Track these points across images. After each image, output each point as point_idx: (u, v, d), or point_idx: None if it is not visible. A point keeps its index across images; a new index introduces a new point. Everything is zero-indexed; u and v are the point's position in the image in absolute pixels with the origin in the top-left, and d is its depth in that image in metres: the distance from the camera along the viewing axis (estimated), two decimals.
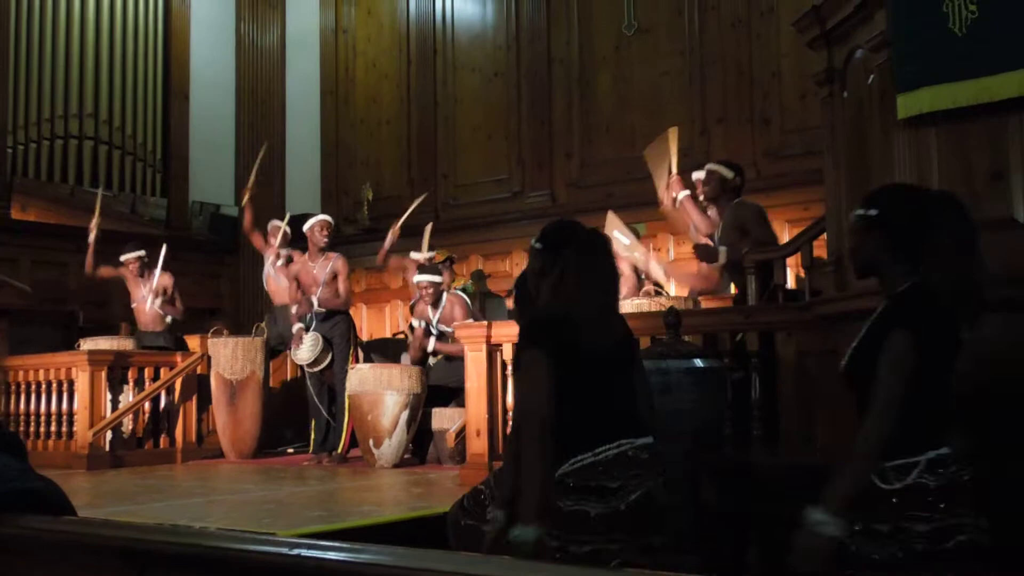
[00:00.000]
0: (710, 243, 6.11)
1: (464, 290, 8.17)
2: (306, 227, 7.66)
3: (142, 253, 8.28)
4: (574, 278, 2.80)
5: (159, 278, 8.17)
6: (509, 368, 5.49)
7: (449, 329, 7.03)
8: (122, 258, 8.27)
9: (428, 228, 8.33)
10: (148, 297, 8.08)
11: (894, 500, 2.34)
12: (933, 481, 2.35)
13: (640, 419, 2.86)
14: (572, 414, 2.68)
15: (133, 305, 8.30)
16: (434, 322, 7.23)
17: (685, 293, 6.62)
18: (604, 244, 2.99)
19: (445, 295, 7.37)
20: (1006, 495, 2.72)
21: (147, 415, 7.59)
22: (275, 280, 8.28)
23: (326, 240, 7.55)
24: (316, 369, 7.41)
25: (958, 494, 2.35)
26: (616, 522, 2.64)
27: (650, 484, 2.71)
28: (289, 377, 8.76)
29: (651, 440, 2.83)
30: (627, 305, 6.25)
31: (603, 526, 2.63)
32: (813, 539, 2.31)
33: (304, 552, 1.22)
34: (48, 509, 1.29)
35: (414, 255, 8.15)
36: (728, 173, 6.19)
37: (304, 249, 7.76)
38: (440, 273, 7.45)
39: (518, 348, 2.90)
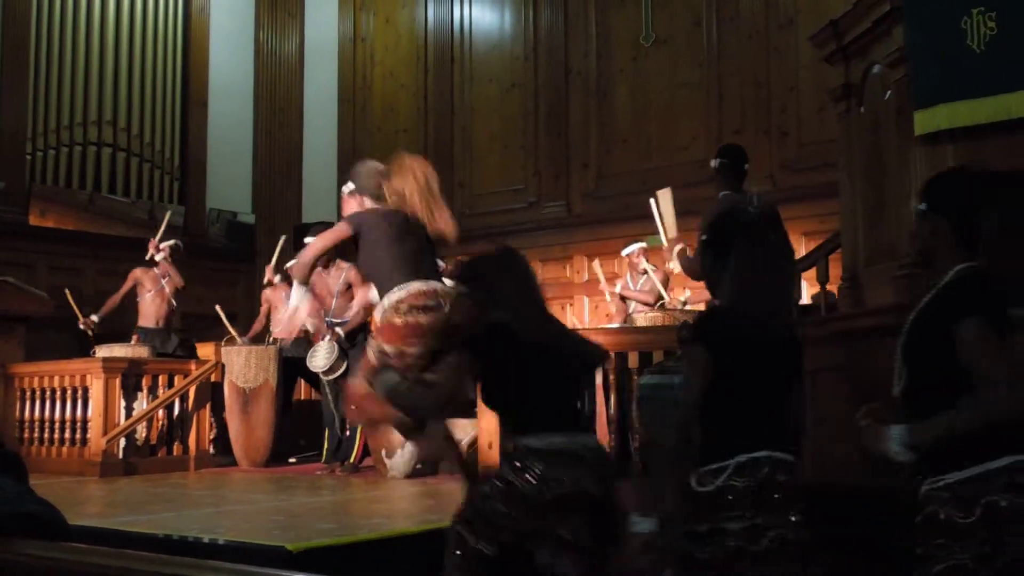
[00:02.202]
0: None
1: None
2: (307, 239, 7.69)
3: (178, 242, 8.43)
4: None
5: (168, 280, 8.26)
6: None
7: None
8: (161, 245, 8.32)
9: None
10: (162, 289, 8.21)
11: (709, 502, 2.51)
12: (742, 483, 2.52)
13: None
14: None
15: (139, 299, 8.35)
16: None
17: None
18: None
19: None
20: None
21: (161, 423, 7.60)
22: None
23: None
24: (331, 377, 7.40)
25: (768, 495, 2.53)
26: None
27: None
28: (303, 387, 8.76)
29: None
30: (640, 319, 6.23)
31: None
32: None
33: None
34: (44, 534, 1.28)
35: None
36: (713, 161, 5.58)
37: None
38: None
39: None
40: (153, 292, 8.31)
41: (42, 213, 9.91)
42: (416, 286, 4.07)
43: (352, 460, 7.23)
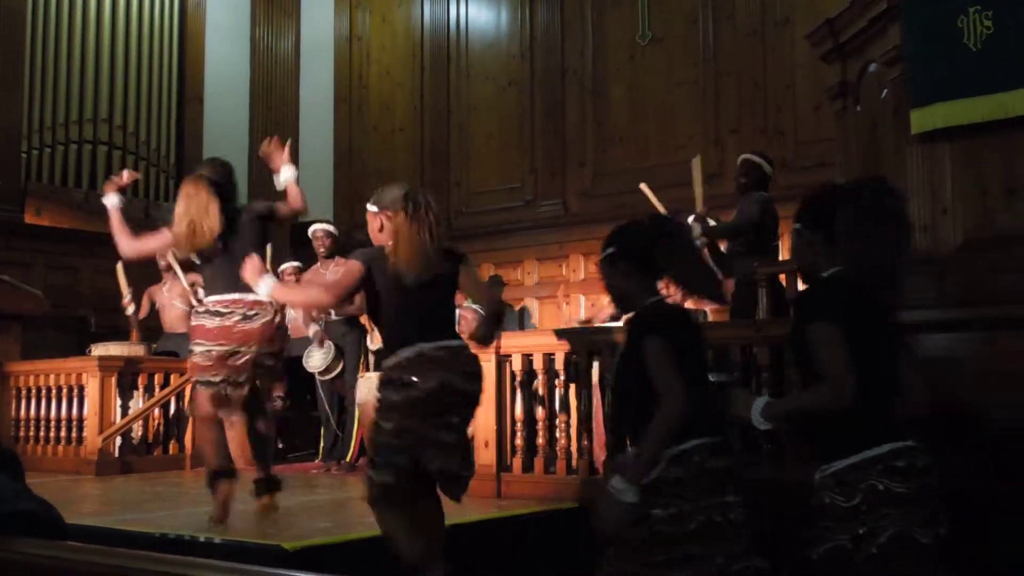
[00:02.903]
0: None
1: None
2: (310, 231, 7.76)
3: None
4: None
5: (176, 283, 8.22)
6: (518, 379, 5.47)
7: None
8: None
9: None
10: (167, 295, 8.17)
11: (646, 491, 2.69)
12: (673, 474, 2.70)
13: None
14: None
15: (158, 306, 8.32)
16: None
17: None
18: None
19: (458, 311, 7.35)
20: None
21: (157, 421, 7.60)
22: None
23: (322, 249, 7.55)
24: (327, 377, 7.40)
25: (700, 482, 2.71)
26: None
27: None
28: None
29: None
30: None
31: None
32: (612, 504, 2.68)
33: None
34: (41, 532, 1.27)
35: None
36: (764, 163, 6.22)
37: (314, 257, 7.77)
38: None
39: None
40: (163, 302, 8.30)
41: (38, 211, 9.89)
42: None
43: (348, 459, 7.23)
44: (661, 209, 6.65)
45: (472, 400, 3.66)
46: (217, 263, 4.54)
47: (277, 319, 4.56)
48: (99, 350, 7.66)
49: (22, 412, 7.65)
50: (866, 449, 2.45)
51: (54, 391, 7.46)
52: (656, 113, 9.34)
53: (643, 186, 6.77)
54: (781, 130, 8.59)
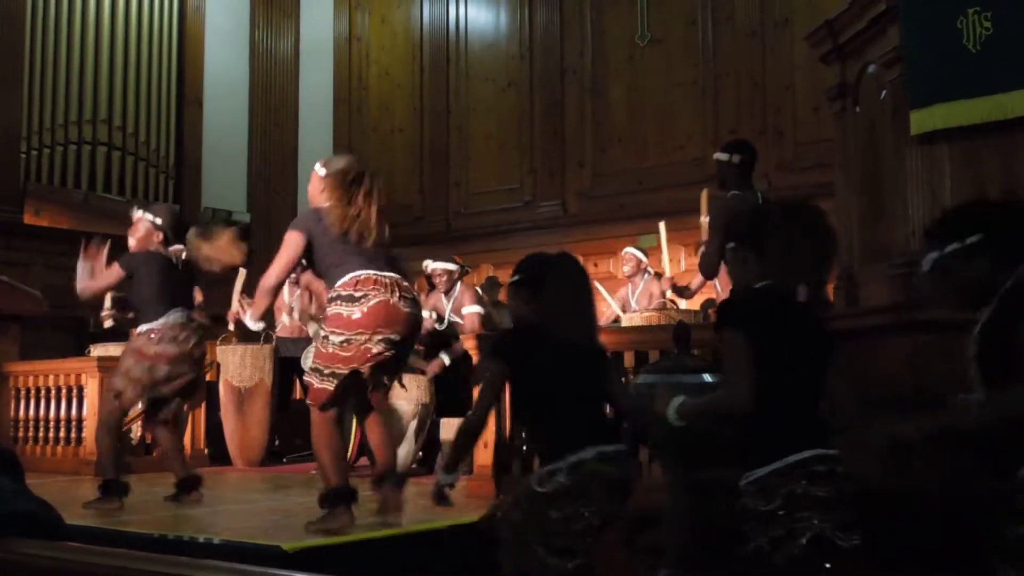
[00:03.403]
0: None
1: None
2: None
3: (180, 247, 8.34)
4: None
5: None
6: None
7: (458, 319, 7.07)
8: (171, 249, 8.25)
9: None
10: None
11: (544, 500, 2.88)
12: (570, 480, 2.88)
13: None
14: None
15: None
16: (447, 309, 7.23)
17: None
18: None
19: (459, 284, 7.37)
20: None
21: None
22: None
23: None
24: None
25: (592, 487, 2.89)
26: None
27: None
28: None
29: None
30: (637, 318, 6.24)
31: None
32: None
33: None
34: (41, 533, 1.27)
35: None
36: (721, 155, 5.51)
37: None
38: (455, 261, 7.45)
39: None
40: None
41: (37, 212, 9.89)
42: None
43: (347, 458, 7.22)
44: (665, 255, 6.71)
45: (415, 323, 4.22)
46: None
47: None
48: (98, 350, 7.65)
49: (21, 413, 7.64)
50: (788, 455, 2.53)
51: (53, 391, 7.45)
52: (655, 114, 9.34)
53: (661, 226, 6.82)
54: (780, 131, 8.59)
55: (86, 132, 10.32)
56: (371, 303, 4.08)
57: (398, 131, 11.22)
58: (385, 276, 4.18)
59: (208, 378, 7.76)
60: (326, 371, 4.11)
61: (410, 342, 4.37)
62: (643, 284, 7.28)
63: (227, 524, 4.50)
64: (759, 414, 2.55)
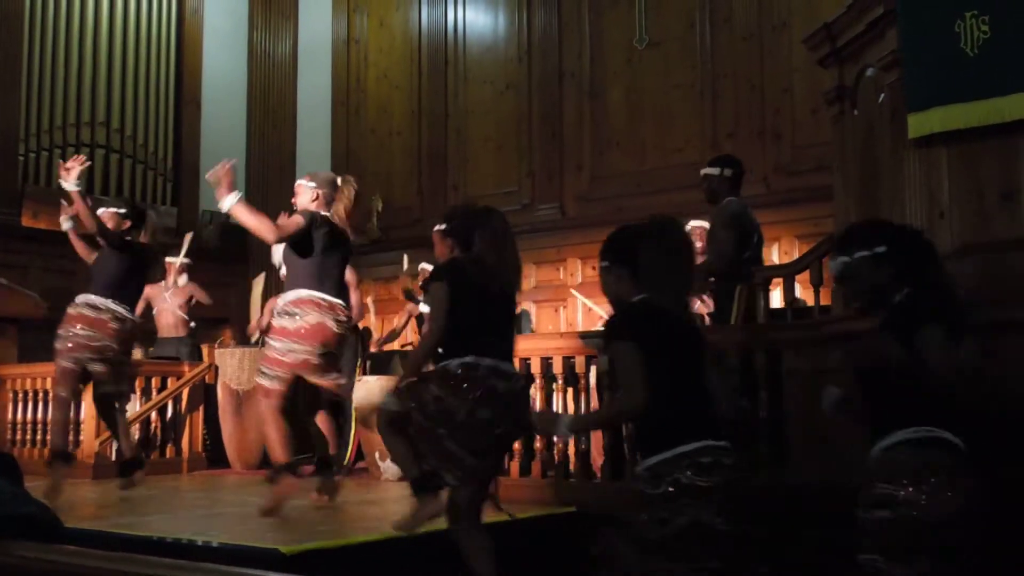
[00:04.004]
0: None
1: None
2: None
3: (188, 261, 8.42)
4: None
5: (179, 290, 8.28)
6: None
7: None
8: (167, 259, 8.30)
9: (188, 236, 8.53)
10: (170, 301, 8.20)
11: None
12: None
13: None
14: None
15: (154, 311, 8.34)
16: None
17: None
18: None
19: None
20: None
21: (154, 425, 7.59)
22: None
23: None
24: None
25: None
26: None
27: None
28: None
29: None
30: None
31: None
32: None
33: None
34: (40, 535, 1.27)
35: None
36: (710, 169, 5.81)
37: None
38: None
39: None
40: (160, 306, 8.31)
41: (34, 214, 9.89)
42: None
43: (345, 463, 7.22)
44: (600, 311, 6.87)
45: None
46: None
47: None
48: None
49: (19, 416, 7.64)
50: (677, 446, 2.81)
51: (51, 394, 7.44)
52: (654, 116, 9.34)
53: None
54: (778, 134, 8.60)
55: (84, 135, 10.32)
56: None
57: (396, 134, 11.22)
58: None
59: (207, 381, 7.77)
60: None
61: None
62: None
63: (225, 527, 4.49)
64: (652, 410, 2.84)
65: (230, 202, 4.82)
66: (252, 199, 11.58)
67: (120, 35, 10.72)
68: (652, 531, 2.77)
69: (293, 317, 4.87)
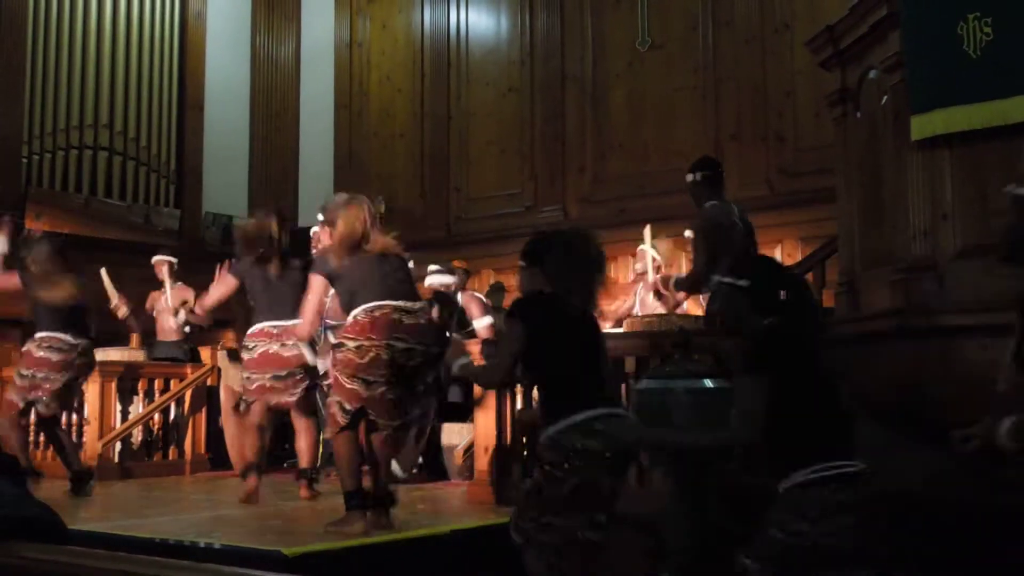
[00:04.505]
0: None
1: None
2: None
3: (173, 260, 8.34)
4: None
5: (174, 291, 8.23)
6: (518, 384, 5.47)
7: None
8: (154, 259, 8.26)
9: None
10: (169, 309, 8.18)
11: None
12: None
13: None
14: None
15: (154, 313, 8.34)
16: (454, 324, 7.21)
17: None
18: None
19: (460, 295, 7.35)
20: None
21: (157, 426, 7.60)
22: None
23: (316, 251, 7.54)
24: (327, 383, 7.38)
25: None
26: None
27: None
28: None
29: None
30: (638, 323, 6.23)
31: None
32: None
33: None
34: (43, 537, 1.27)
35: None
36: (688, 176, 5.78)
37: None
38: (453, 274, 7.43)
39: None
40: (161, 309, 8.31)
41: (38, 217, 9.89)
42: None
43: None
44: (650, 256, 6.92)
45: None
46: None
47: None
48: (99, 355, 7.65)
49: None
50: (574, 415, 3.12)
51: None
52: (656, 119, 9.34)
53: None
54: (781, 136, 8.59)
55: (87, 137, 10.33)
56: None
57: (399, 136, 11.23)
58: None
59: (208, 383, 7.77)
60: None
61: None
62: (640, 287, 7.27)
63: (228, 528, 4.49)
64: (550, 388, 3.26)
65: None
66: (254, 202, 11.68)
67: (123, 38, 10.73)
68: (551, 488, 3.10)
69: (249, 350, 5.44)
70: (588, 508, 3.11)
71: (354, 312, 4.32)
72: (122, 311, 7.90)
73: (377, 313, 4.27)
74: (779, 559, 2.80)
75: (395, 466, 6.53)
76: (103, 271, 7.80)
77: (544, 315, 3.28)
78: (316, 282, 4.53)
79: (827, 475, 2.79)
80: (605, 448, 3.11)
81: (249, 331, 5.49)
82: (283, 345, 5.39)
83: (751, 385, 2.92)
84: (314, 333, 5.26)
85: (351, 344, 4.26)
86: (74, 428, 7.34)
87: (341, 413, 4.28)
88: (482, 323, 7.15)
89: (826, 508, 2.77)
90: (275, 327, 5.38)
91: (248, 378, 5.46)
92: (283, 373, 5.43)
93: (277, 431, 7.89)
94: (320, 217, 5.23)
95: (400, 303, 4.32)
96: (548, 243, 3.45)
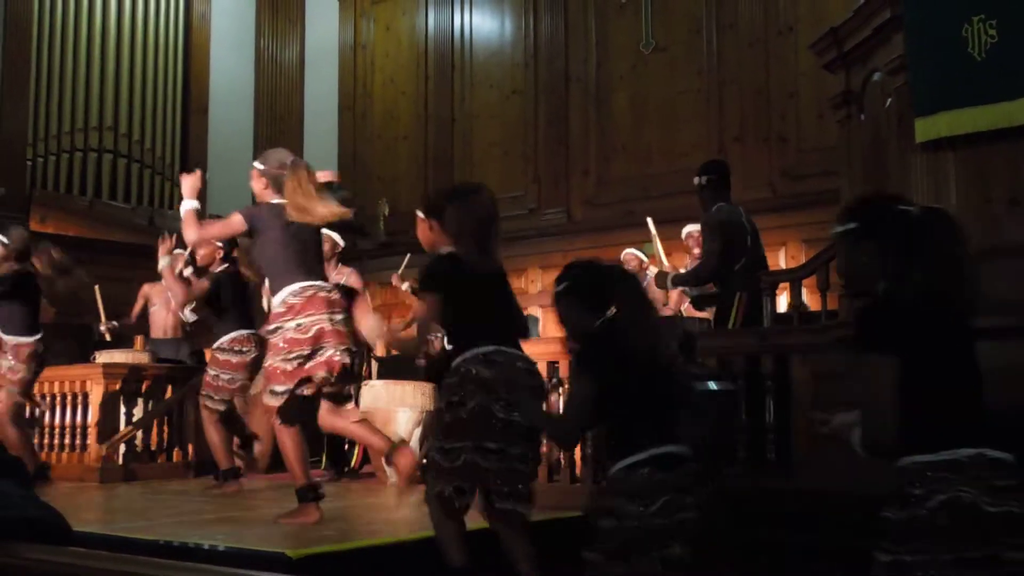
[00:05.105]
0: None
1: None
2: None
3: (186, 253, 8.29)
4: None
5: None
6: None
7: None
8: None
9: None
10: (168, 301, 8.16)
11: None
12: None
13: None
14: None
15: (153, 306, 8.34)
16: None
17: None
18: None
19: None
20: None
21: (161, 429, 7.60)
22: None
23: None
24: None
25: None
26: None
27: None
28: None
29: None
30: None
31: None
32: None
33: None
34: (48, 538, 1.28)
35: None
36: (695, 179, 5.94)
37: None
38: None
39: None
40: (159, 305, 8.32)
41: (42, 219, 9.92)
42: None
43: (352, 466, 7.23)
44: (660, 250, 6.86)
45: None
46: None
47: None
48: (103, 357, 7.66)
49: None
50: (473, 348, 3.43)
51: (58, 398, 7.46)
52: (659, 121, 9.35)
53: (650, 221, 6.89)
54: (784, 138, 8.59)
55: (92, 139, 10.35)
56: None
57: (403, 139, 11.24)
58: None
59: None
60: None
61: None
62: (644, 285, 7.28)
63: (232, 530, 4.49)
64: (456, 329, 3.57)
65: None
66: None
67: (128, 40, 10.75)
68: (450, 414, 3.40)
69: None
70: (481, 432, 3.35)
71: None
72: (110, 329, 8.06)
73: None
74: (619, 546, 2.83)
75: (390, 470, 6.55)
76: (96, 288, 7.90)
77: (455, 278, 3.55)
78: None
79: (643, 458, 2.81)
80: (497, 377, 3.37)
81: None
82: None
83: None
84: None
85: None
86: (78, 430, 7.35)
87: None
88: None
89: (648, 489, 2.80)
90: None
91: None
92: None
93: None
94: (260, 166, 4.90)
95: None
96: (447, 196, 3.79)
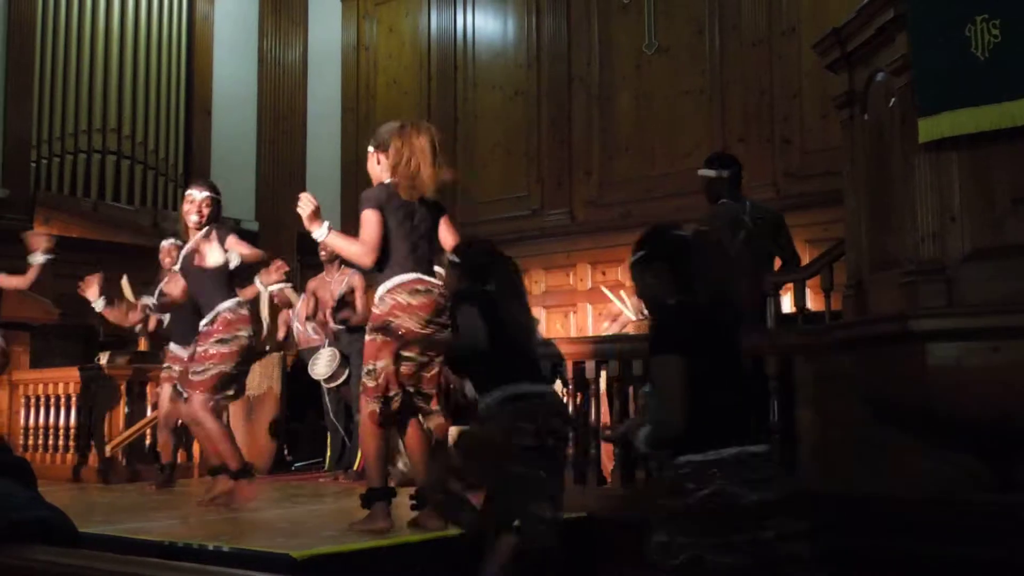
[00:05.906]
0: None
1: None
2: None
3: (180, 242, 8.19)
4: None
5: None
6: None
7: None
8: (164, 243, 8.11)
9: None
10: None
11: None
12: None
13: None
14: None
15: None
16: None
17: None
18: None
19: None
20: None
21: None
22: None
23: (323, 254, 7.54)
24: (332, 385, 7.40)
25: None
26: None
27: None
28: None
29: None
30: (632, 328, 6.25)
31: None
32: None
33: None
34: (55, 540, 1.28)
35: None
36: (700, 171, 6.02)
37: (319, 264, 7.80)
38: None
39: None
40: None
41: (46, 220, 9.92)
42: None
43: (356, 467, 7.23)
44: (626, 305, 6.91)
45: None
46: None
47: None
48: (107, 358, 7.68)
49: (31, 420, 7.67)
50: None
51: (63, 399, 7.48)
52: (662, 122, 9.34)
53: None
54: (788, 139, 8.58)
55: (95, 141, 10.36)
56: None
57: None
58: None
59: None
60: None
61: None
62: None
63: (236, 531, 4.50)
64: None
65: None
66: (261, 205, 11.70)
67: (131, 42, 10.76)
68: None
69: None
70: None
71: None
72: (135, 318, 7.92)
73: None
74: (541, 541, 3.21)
75: (400, 464, 6.55)
76: (125, 278, 7.80)
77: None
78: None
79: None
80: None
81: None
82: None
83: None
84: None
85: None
86: (83, 431, 7.37)
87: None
88: None
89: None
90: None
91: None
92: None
93: (279, 434, 7.91)
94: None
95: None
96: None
